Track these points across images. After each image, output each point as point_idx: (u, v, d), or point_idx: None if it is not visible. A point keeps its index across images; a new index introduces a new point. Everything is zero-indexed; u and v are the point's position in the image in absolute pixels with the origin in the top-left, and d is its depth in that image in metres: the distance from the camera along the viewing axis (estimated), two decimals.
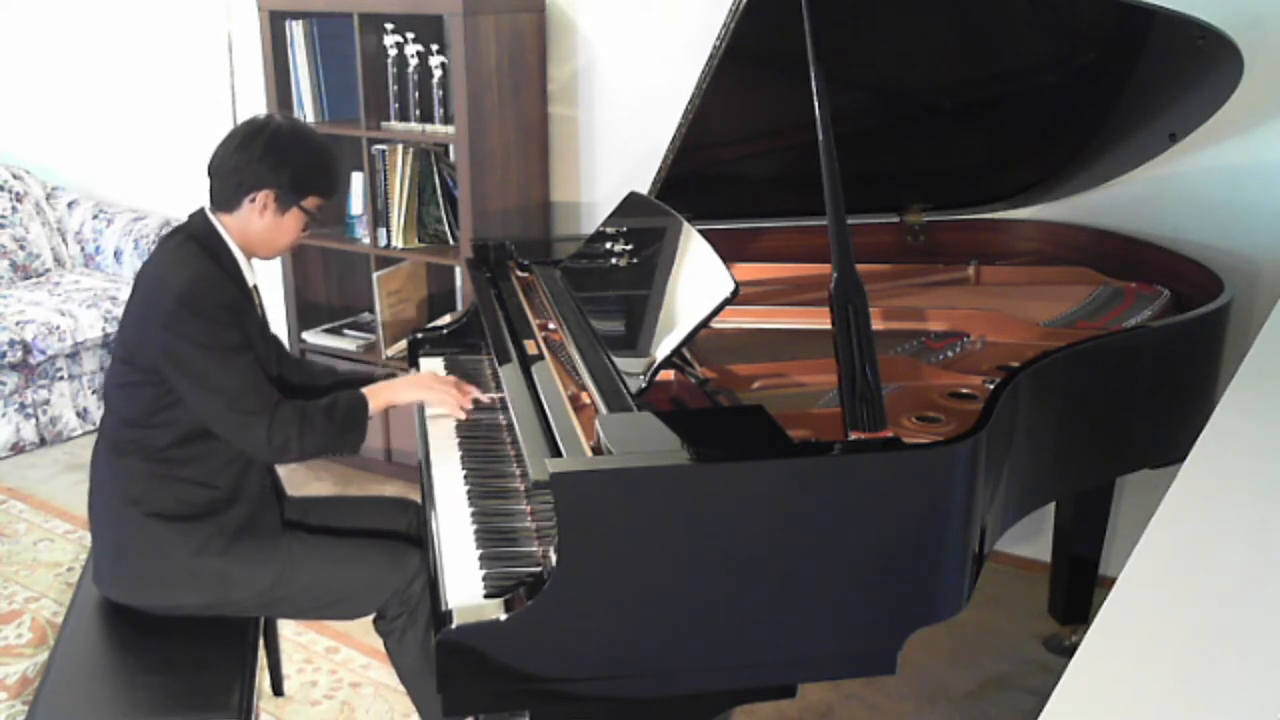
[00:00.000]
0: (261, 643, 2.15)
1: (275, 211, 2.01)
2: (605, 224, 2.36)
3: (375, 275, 3.50)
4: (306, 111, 3.55)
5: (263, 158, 1.97)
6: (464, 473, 2.01)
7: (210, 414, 1.94)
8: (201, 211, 2.04)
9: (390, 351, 3.56)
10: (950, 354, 2.19)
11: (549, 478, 1.46)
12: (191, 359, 1.90)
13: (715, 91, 2.16)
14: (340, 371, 2.37)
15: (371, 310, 3.60)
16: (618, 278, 2.19)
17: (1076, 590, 2.80)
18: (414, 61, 3.33)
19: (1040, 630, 2.86)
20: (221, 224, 2.02)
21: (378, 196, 3.45)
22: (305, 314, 3.78)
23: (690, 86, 2.18)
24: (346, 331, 3.78)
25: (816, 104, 1.78)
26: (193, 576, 2.00)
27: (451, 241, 3.50)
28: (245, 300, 2.02)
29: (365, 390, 2.08)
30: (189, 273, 1.92)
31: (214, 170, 2.01)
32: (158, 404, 1.96)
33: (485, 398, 2.17)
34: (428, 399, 2.16)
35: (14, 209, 4.44)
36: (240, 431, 1.94)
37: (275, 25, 3.48)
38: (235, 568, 2.01)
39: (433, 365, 2.52)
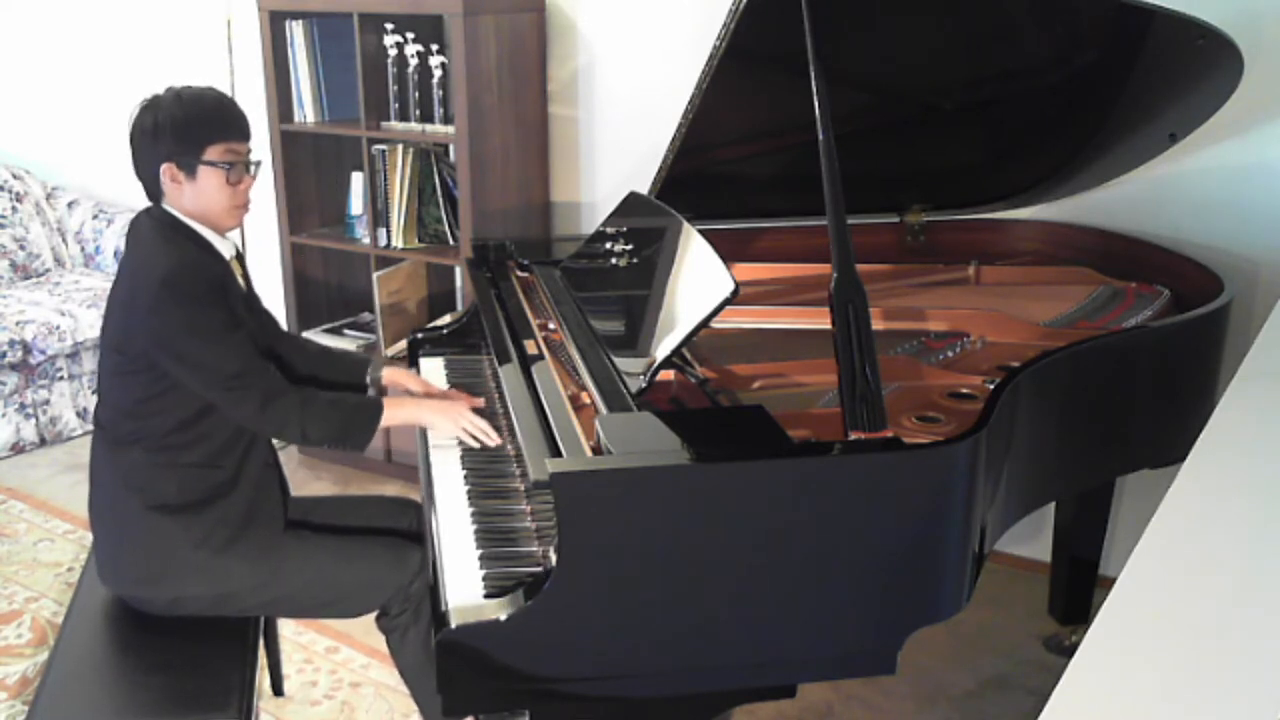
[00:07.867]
0: (261, 643, 2.15)
1: (186, 177, 1.99)
2: (605, 224, 2.36)
3: (375, 275, 3.50)
4: (306, 111, 3.55)
5: (144, 138, 1.98)
6: (464, 473, 2.01)
7: (206, 393, 1.96)
8: (156, 204, 2.05)
9: (390, 351, 3.56)
10: (950, 354, 2.19)
11: (549, 478, 1.46)
12: (180, 342, 1.91)
13: (715, 91, 2.15)
14: (334, 351, 2.39)
15: (371, 310, 3.60)
16: (618, 278, 2.19)
17: (1076, 590, 2.80)
18: (414, 61, 3.33)
19: (1040, 630, 2.85)
20: (173, 209, 2.03)
21: (378, 196, 3.45)
22: (305, 314, 3.78)
23: (690, 86, 2.18)
24: (346, 331, 3.78)
25: (816, 104, 1.79)
26: (195, 570, 2.00)
27: (451, 241, 3.50)
28: (227, 275, 2.03)
29: (387, 400, 2.09)
30: (170, 258, 1.94)
31: (135, 173, 2.02)
32: (152, 390, 1.97)
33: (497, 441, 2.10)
34: (447, 430, 2.09)
35: (14, 209, 4.44)
36: (237, 408, 1.96)
37: (275, 25, 3.48)
38: (237, 564, 2.02)
39: (433, 365, 2.52)
